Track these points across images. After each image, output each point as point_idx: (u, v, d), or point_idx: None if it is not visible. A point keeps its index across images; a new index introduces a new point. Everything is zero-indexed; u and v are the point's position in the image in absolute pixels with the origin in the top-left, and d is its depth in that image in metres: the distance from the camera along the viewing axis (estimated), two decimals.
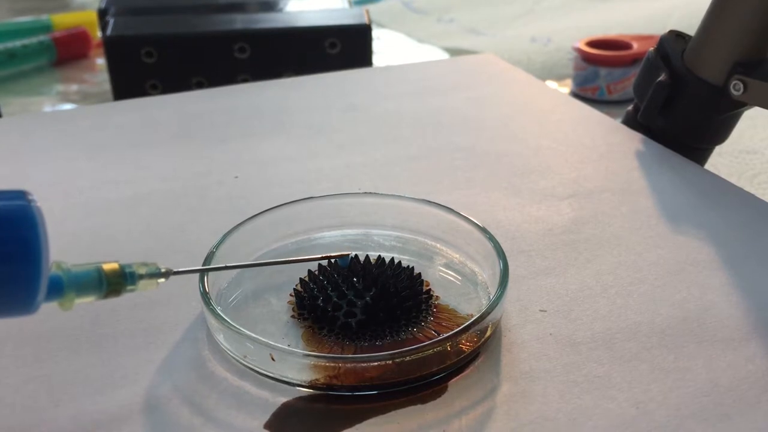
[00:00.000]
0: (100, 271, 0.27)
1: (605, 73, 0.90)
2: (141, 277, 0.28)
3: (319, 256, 0.34)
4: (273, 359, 0.29)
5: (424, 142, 0.53)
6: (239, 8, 0.89)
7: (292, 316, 0.34)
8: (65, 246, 0.39)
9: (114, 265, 0.27)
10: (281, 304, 0.35)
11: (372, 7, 1.31)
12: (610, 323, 0.34)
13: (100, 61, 1.07)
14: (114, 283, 0.27)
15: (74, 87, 0.99)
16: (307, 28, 0.81)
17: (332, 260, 0.34)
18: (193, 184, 0.47)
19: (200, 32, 0.80)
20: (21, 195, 0.24)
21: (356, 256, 0.35)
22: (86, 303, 0.27)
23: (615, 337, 0.33)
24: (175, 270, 0.30)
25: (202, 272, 0.32)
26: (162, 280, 0.29)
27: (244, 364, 0.31)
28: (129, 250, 0.40)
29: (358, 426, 0.28)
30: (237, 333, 0.30)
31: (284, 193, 0.43)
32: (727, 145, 0.54)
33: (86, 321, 0.34)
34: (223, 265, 0.34)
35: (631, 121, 0.55)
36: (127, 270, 0.28)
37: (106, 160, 0.50)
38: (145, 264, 0.29)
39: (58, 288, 0.26)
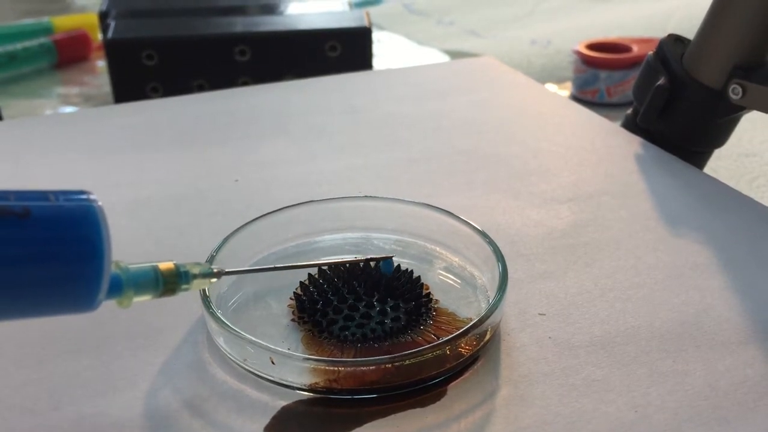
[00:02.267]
0: (156, 271, 0.28)
1: (605, 75, 0.90)
2: (195, 276, 0.29)
3: (363, 257, 0.35)
4: (273, 362, 0.29)
5: (424, 145, 0.53)
6: (240, 11, 0.89)
7: (292, 320, 0.34)
8: None
9: (170, 265, 0.28)
10: (281, 308, 0.35)
11: (372, 10, 1.31)
12: (608, 327, 0.34)
13: (101, 64, 1.07)
14: (169, 282, 0.28)
15: (75, 89, 0.99)
16: (307, 31, 0.81)
17: (375, 263, 0.35)
18: (194, 187, 0.47)
19: (201, 35, 0.80)
20: (83, 195, 0.24)
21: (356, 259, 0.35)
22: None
23: (614, 341, 0.33)
24: (227, 270, 0.31)
25: (251, 273, 0.34)
26: (214, 280, 0.30)
27: (244, 368, 0.31)
28: (129, 253, 0.39)
29: (357, 429, 0.28)
30: (237, 336, 0.30)
31: (284, 197, 0.43)
32: (726, 149, 0.54)
33: (87, 324, 0.34)
34: (272, 266, 0.35)
35: (630, 125, 0.55)
36: (182, 270, 0.29)
37: (107, 163, 0.50)
38: (198, 264, 0.30)
39: (118, 286, 0.27)
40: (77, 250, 0.23)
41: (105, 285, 0.24)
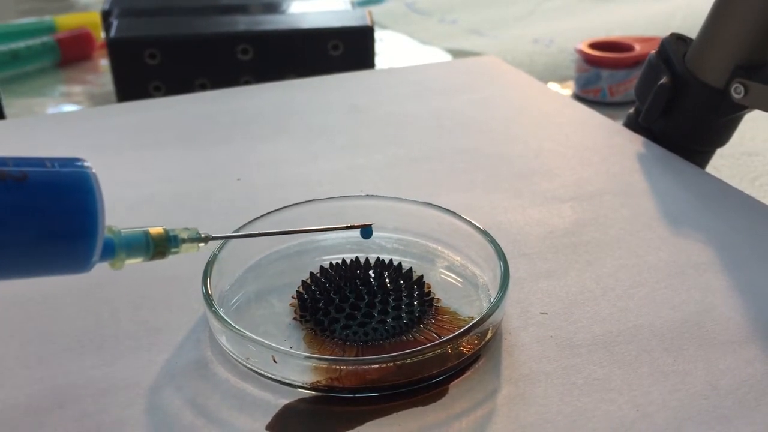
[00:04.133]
0: (147, 235, 0.29)
1: (607, 75, 0.90)
2: (183, 241, 0.30)
3: (343, 225, 0.35)
4: (275, 361, 0.29)
5: (426, 144, 0.53)
6: (242, 10, 0.89)
7: (294, 319, 0.34)
8: None
9: (159, 230, 0.30)
10: (283, 306, 0.35)
11: (374, 9, 1.31)
12: (610, 326, 0.34)
13: (104, 63, 1.07)
14: (159, 245, 0.29)
15: (78, 88, 0.99)
16: (309, 30, 0.81)
17: (356, 230, 0.35)
18: (196, 186, 0.47)
19: (203, 34, 0.80)
20: (78, 162, 0.26)
21: (357, 258, 0.35)
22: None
23: (615, 340, 0.33)
24: (213, 236, 0.31)
25: (237, 238, 0.35)
26: (202, 244, 0.31)
27: (246, 366, 0.31)
28: None
29: (359, 428, 0.28)
30: (239, 335, 0.30)
31: (286, 195, 0.43)
32: (728, 148, 0.54)
33: (90, 322, 0.34)
34: (257, 233, 0.35)
35: (632, 124, 0.55)
36: (171, 234, 0.30)
37: (109, 162, 0.50)
38: (187, 229, 0.31)
39: (110, 249, 0.28)
40: (72, 213, 0.25)
41: (99, 247, 0.25)
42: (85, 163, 0.26)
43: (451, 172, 0.49)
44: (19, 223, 0.24)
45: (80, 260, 0.25)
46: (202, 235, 0.31)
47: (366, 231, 0.35)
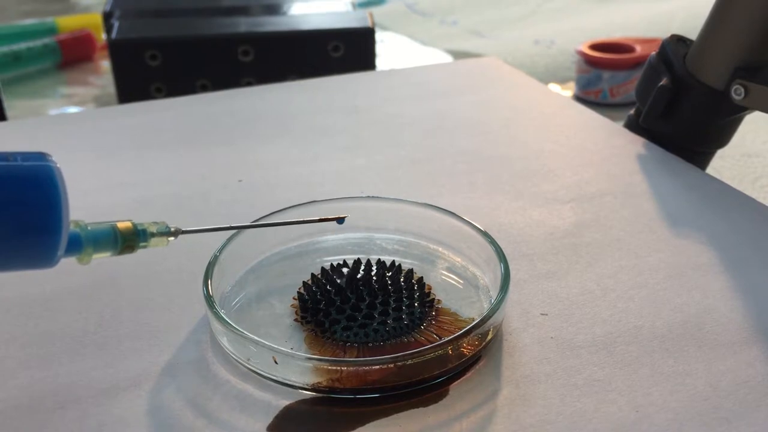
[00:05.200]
0: (115, 229, 0.29)
1: (608, 76, 0.90)
2: (152, 235, 0.30)
3: (316, 218, 0.35)
4: (276, 362, 0.30)
5: (427, 146, 0.53)
6: (243, 11, 0.89)
7: (295, 320, 0.34)
8: None
9: (127, 224, 0.29)
10: (284, 308, 0.35)
11: (375, 10, 1.31)
12: (610, 327, 0.34)
13: (105, 64, 1.07)
14: (128, 239, 0.29)
15: (79, 90, 0.99)
16: (310, 32, 0.82)
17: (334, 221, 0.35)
18: (197, 188, 0.47)
19: (204, 35, 0.80)
20: (41, 156, 0.25)
21: (358, 259, 0.36)
22: (97, 263, 0.28)
23: (616, 341, 0.33)
24: (183, 229, 0.31)
25: (208, 231, 0.34)
26: (172, 238, 0.31)
27: (247, 367, 0.31)
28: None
29: (359, 429, 0.28)
30: (240, 336, 0.30)
31: (287, 197, 0.43)
32: (729, 149, 0.54)
33: (90, 323, 0.34)
34: (228, 226, 0.34)
35: (633, 125, 0.55)
36: (140, 228, 0.30)
37: (111, 163, 0.50)
38: (155, 223, 0.30)
39: (77, 244, 0.27)
40: (35, 207, 0.24)
41: (63, 241, 0.25)
42: (49, 157, 0.25)
43: (451, 173, 0.49)
44: None
45: (45, 255, 0.25)
46: (172, 229, 0.31)
47: (340, 221, 0.35)
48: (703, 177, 0.48)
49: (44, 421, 0.29)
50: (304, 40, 0.81)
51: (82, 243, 0.28)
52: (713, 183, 0.47)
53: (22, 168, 0.24)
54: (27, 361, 0.32)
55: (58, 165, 0.25)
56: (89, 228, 0.28)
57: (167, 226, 0.30)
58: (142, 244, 0.30)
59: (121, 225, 0.29)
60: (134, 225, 0.29)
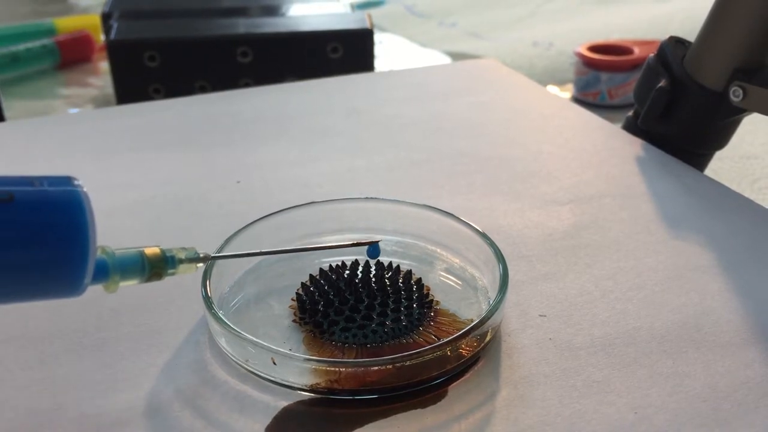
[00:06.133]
0: (142, 256, 0.28)
1: (606, 77, 0.91)
2: (181, 261, 0.29)
3: (349, 243, 0.34)
4: (274, 363, 0.30)
5: (426, 147, 0.53)
6: (242, 12, 0.89)
7: (294, 321, 0.34)
8: None
9: (155, 250, 0.28)
10: (283, 309, 0.35)
11: (374, 12, 1.32)
12: (609, 328, 0.34)
13: (104, 65, 1.07)
14: (156, 266, 0.28)
15: (77, 91, 0.99)
16: (309, 33, 0.82)
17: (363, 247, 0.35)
18: (196, 189, 0.47)
19: (203, 36, 0.80)
20: (68, 181, 0.24)
21: (357, 261, 0.35)
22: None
23: (614, 342, 0.33)
24: (213, 255, 0.30)
25: (239, 257, 0.33)
26: (200, 264, 0.30)
27: (245, 368, 0.31)
28: None
29: (358, 430, 0.28)
30: (239, 337, 0.30)
31: (286, 198, 0.43)
32: (727, 151, 0.54)
33: (89, 324, 0.34)
34: (258, 251, 0.34)
35: (631, 127, 0.55)
36: (168, 254, 0.29)
37: (109, 164, 0.50)
38: (184, 249, 0.29)
39: (104, 271, 0.27)
40: (61, 234, 0.23)
41: (90, 269, 0.24)
42: (75, 182, 0.24)
43: (450, 174, 0.49)
44: (6, 246, 0.22)
45: (71, 284, 0.24)
46: (201, 255, 0.30)
47: (373, 249, 0.34)
48: (701, 179, 0.48)
49: (42, 422, 0.29)
50: (302, 41, 0.81)
51: (108, 271, 0.27)
52: (712, 185, 0.47)
53: (48, 194, 0.23)
54: (25, 362, 0.32)
55: (85, 189, 0.24)
56: (116, 255, 0.27)
57: (196, 252, 0.29)
58: (170, 271, 0.28)
59: (148, 251, 0.28)
60: (162, 251, 0.28)
